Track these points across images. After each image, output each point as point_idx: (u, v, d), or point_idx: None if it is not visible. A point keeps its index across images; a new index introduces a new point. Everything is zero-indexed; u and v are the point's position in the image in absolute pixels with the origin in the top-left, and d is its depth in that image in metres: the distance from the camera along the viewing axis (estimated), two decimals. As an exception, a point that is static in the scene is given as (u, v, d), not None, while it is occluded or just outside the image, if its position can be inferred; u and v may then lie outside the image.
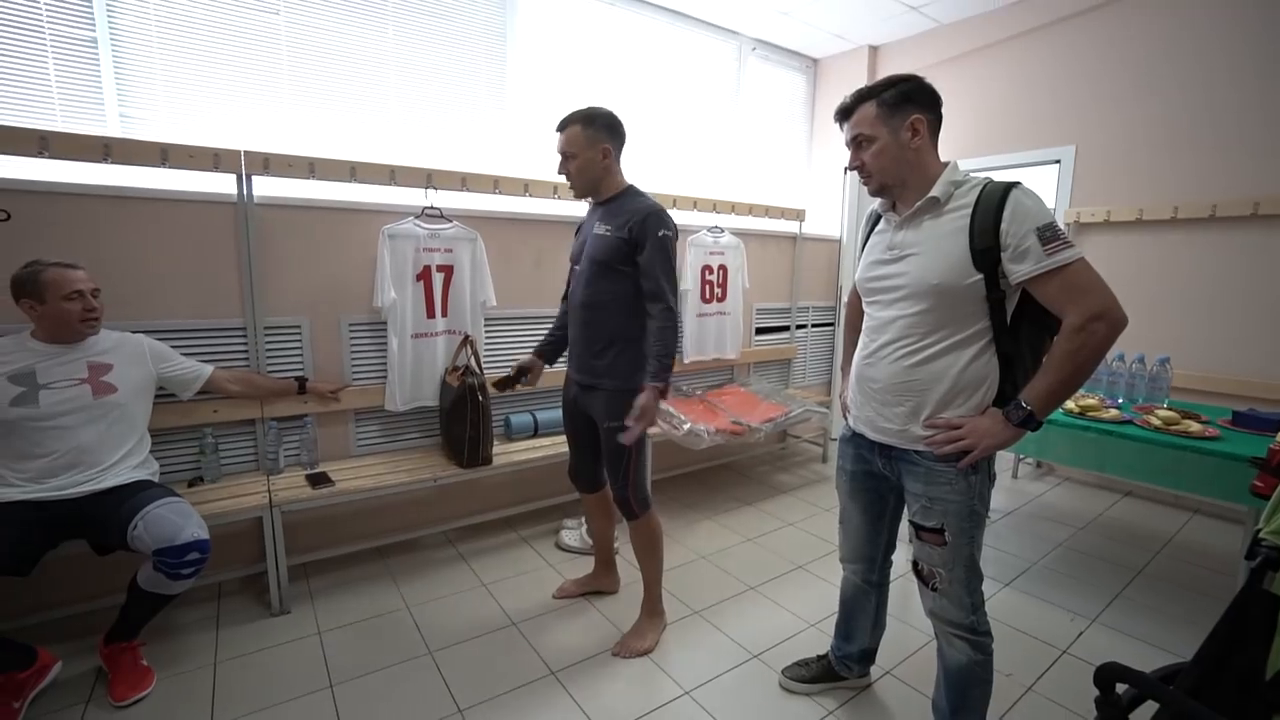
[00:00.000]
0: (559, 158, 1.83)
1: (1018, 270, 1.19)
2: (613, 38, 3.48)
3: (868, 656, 1.78)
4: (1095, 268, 1.18)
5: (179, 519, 1.67)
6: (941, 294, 1.25)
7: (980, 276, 1.22)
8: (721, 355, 3.50)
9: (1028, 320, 1.27)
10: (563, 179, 1.87)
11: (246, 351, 2.24)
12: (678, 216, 3.24)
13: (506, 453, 2.55)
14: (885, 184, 1.33)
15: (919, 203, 1.29)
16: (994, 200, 1.20)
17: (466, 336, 2.51)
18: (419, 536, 2.65)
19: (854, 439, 1.53)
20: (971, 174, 1.30)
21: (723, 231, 3.42)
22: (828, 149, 4.46)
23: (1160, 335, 3.10)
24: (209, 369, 2.05)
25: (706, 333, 3.41)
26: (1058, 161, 3.48)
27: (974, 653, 1.36)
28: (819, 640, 2.01)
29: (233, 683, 1.77)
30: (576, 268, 1.92)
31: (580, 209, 1.94)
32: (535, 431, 2.74)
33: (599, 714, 1.69)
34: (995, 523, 2.93)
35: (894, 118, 1.27)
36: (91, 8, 2.22)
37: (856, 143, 1.33)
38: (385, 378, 2.47)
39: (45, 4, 2.15)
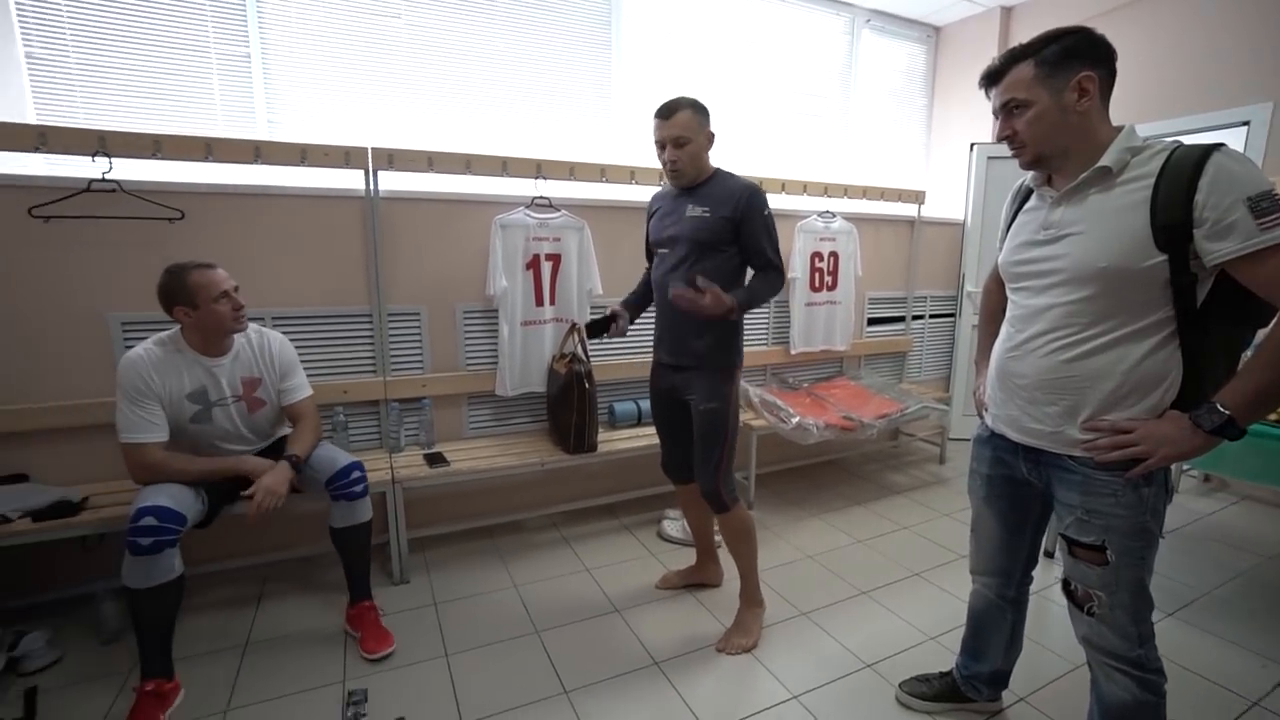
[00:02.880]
0: (662, 146, 1.76)
1: (1218, 249, 1.00)
2: (718, 20, 3.38)
3: (999, 679, 1.62)
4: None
5: (333, 452, 1.96)
6: (1111, 278, 1.08)
7: (1164, 258, 1.04)
8: (830, 347, 3.33)
9: (1219, 308, 1.08)
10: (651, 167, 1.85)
11: (372, 337, 2.40)
12: (786, 201, 3.15)
13: (610, 440, 2.57)
14: (1042, 154, 1.17)
15: (1084, 174, 1.12)
16: (1187, 166, 1.02)
17: (574, 324, 2.54)
18: (524, 518, 2.74)
19: (992, 440, 1.38)
20: (1154, 139, 1.11)
21: (834, 216, 3.24)
22: (949, 124, 4.11)
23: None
24: (302, 395, 1.97)
25: (815, 323, 3.26)
26: (1246, 123, 2.95)
27: (1141, 691, 1.19)
28: (940, 655, 1.86)
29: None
30: (663, 252, 1.87)
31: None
32: (639, 420, 2.74)
33: (704, 709, 1.65)
34: (1150, 540, 2.58)
35: (1056, 77, 1.11)
36: (246, 27, 2.44)
37: (1007, 109, 1.17)
38: (496, 364, 2.56)
39: (212, 27, 2.39)
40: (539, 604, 2.13)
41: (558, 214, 2.56)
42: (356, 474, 1.90)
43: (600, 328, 1.97)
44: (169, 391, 1.73)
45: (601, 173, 2.61)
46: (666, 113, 1.73)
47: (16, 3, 2.13)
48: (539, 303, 2.56)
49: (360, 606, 1.94)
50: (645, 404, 2.77)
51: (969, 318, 3.84)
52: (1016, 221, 1.30)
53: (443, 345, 2.53)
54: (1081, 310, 1.13)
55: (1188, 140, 1.07)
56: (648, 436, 2.62)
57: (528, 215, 2.50)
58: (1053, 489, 1.25)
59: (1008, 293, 1.32)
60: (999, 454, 1.36)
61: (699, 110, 1.75)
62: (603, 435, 2.58)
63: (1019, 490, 1.36)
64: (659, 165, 2.65)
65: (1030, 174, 1.26)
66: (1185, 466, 3.08)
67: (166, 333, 1.79)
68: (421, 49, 2.74)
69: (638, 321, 2.82)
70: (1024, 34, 3.66)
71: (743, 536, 1.93)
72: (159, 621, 1.62)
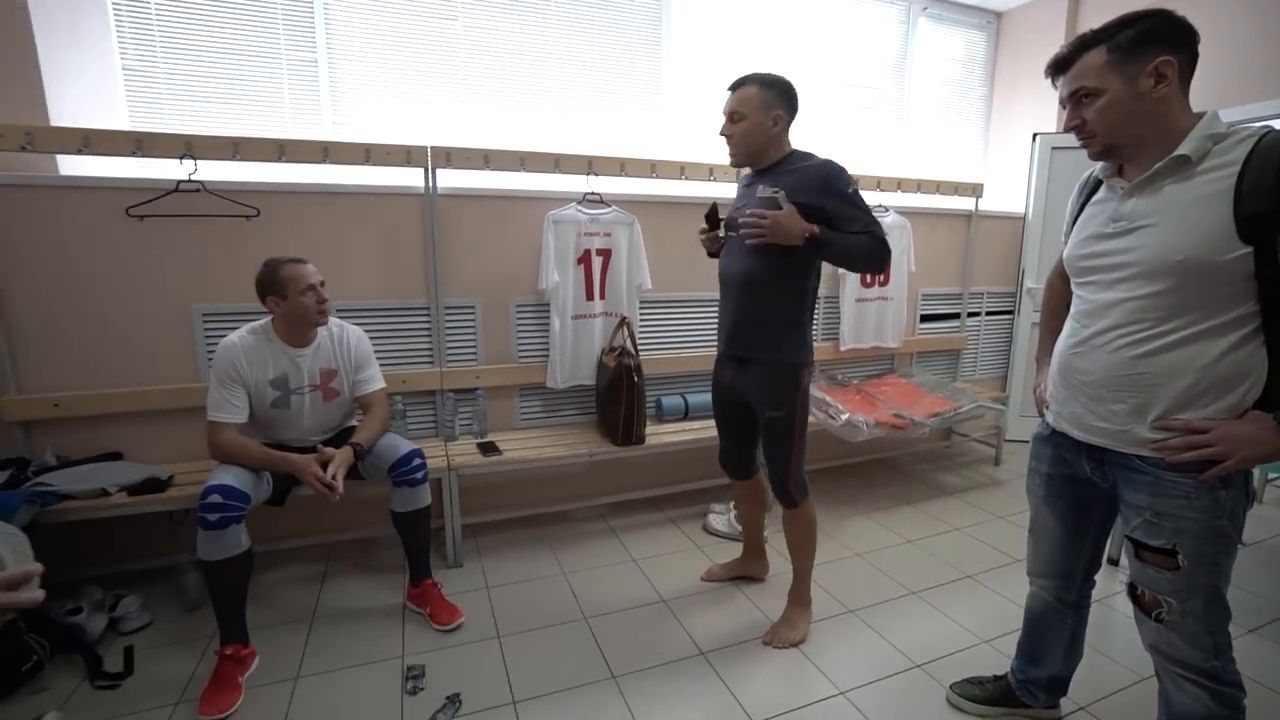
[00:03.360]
0: (724, 119, 1.72)
1: (1310, 241, 0.95)
2: (768, 13, 3.35)
3: (1057, 685, 1.57)
4: None
5: (395, 440, 2.04)
6: (1188, 272, 1.04)
7: (1248, 250, 0.99)
8: (882, 344, 3.27)
9: None
10: (709, 149, 1.79)
11: (430, 329, 2.49)
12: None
13: (657, 434, 2.60)
14: (1113, 144, 1.13)
15: (1159, 164, 1.08)
16: (1278, 151, 0.97)
17: (623, 319, 2.58)
18: (572, 508, 2.79)
19: (1053, 438, 1.34)
20: (1241, 125, 1.06)
21: (886, 211, 3.17)
22: (1011, 114, 3.95)
23: None
24: (375, 387, 2.07)
25: (866, 319, 3.20)
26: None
27: (1216, 705, 1.14)
28: (993, 659, 1.82)
29: (419, 622, 2.00)
30: (731, 236, 1.83)
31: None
32: (686, 414, 2.76)
33: (751, 701, 1.66)
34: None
35: (1129, 63, 1.07)
36: (314, 34, 2.56)
37: (1076, 98, 1.13)
38: (547, 356, 2.62)
39: (283, 35, 2.52)
40: (587, 592, 2.18)
41: (608, 209, 2.60)
42: (417, 461, 1.99)
43: (714, 220, 1.91)
44: (255, 377, 1.86)
45: (652, 168, 2.63)
46: (734, 85, 1.72)
47: (116, 20, 2.30)
48: (589, 297, 2.60)
49: (423, 585, 2.04)
50: (693, 398, 2.78)
51: (1029, 315, 3.70)
52: (1084, 214, 1.26)
53: (496, 338, 2.61)
54: (1154, 305, 1.09)
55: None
56: (694, 431, 2.64)
57: (579, 211, 2.55)
58: (1119, 489, 1.22)
59: (1073, 287, 1.28)
60: (1060, 452, 1.33)
61: (769, 88, 1.67)
62: (650, 429, 2.61)
63: (1081, 490, 1.32)
64: (709, 159, 2.67)
65: (1099, 164, 1.22)
66: (1272, 474, 2.90)
67: (260, 322, 1.92)
68: (478, 50, 2.81)
69: (679, 312, 2.87)
70: (1093, 19, 3.49)
71: (805, 534, 1.91)
72: (231, 591, 1.74)
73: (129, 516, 1.94)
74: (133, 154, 2.02)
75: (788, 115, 1.72)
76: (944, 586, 2.23)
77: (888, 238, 3.11)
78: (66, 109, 2.16)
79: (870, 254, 1.66)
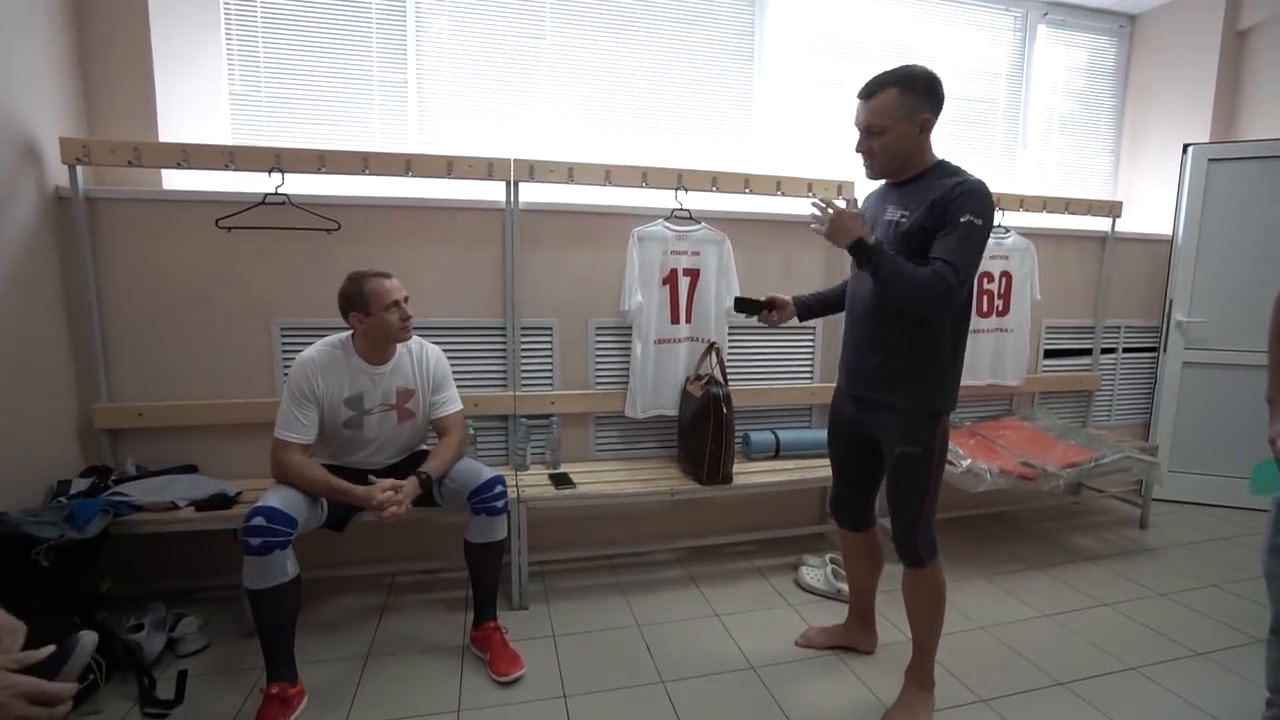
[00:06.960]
0: (858, 133, 1.48)
1: None
2: (868, 26, 3.13)
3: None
4: None
5: (474, 466, 1.92)
6: None
7: None
8: (999, 381, 2.88)
9: None
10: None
11: (504, 350, 2.36)
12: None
13: (746, 472, 2.33)
14: None
15: None
16: None
17: (711, 344, 2.35)
18: (649, 550, 2.55)
19: (1307, 508, 1.00)
20: None
21: (1007, 232, 2.83)
22: (1150, 125, 3.50)
23: None
24: (451, 410, 1.95)
25: (981, 353, 2.83)
26: None
27: None
28: (1187, 786, 1.42)
29: (479, 669, 1.81)
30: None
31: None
32: (776, 453, 2.49)
33: (867, 814, 1.36)
34: None
35: None
36: (405, 56, 2.57)
37: None
38: (627, 383, 2.43)
39: (376, 58, 2.54)
40: (664, 649, 1.93)
41: (698, 226, 2.41)
42: (499, 489, 1.86)
43: (750, 307, 1.75)
44: (330, 394, 1.76)
45: (745, 183, 2.43)
46: (866, 93, 1.45)
47: (228, 50, 2.39)
48: (674, 320, 2.41)
49: (485, 628, 1.86)
50: (784, 435, 2.51)
51: (1178, 353, 3.19)
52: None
53: (573, 362, 2.45)
54: None
55: None
56: (788, 471, 2.36)
57: (666, 228, 2.38)
58: None
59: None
60: (1324, 529, 0.98)
61: (910, 90, 1.41)
62: (736, 466, 2.34)
63: (1358, 583, 0.97)
64: (805, 175, 2.45)
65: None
66: None
67: (339, 336, 1.83)
68: (565, 67, 2.75)
69: (772, 339, 2.62)
70: (1256, 14, 3.05)
71: (932, 601, 1.60)
72: (277, 624, 1.61)
73: (195, 533, 1.87)
74: (225, 167, 2.02)
75: (934, 115, 1.45)
76: (1101, 679, 1.82)
77: (1008, 260, 2.82)
78: (178, 132, 2.22)
79: (926, 283, 1.34)
